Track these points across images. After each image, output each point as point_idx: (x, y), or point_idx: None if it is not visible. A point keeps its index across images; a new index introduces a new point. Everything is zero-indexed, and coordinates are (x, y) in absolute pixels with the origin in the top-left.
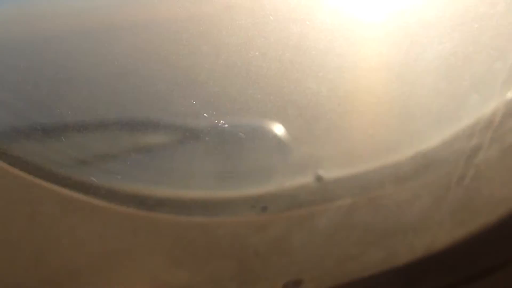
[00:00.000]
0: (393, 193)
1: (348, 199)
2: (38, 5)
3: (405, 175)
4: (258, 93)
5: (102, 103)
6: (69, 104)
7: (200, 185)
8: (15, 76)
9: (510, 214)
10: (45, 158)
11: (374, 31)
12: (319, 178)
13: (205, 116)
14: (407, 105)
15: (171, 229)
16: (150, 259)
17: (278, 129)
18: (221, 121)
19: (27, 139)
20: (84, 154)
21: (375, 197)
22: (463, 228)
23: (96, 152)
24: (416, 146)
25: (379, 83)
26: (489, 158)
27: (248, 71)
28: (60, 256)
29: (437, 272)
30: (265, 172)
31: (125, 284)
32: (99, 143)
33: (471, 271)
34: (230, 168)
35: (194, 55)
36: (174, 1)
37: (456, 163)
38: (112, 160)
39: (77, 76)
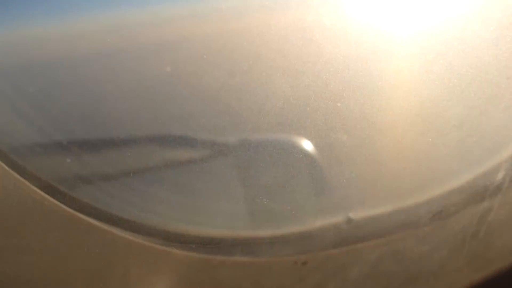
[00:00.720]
0: (414, 246)
1: (374, 246)
2: (64, 24)
3: (423, 230)
4: (293, 144)
5: (131, 120)
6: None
7: (240, 225)
8: (52, 96)
9: None
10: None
11: (394, 99)
12: (349, 220)
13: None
14: (423, 171)
15: (227, 276)
16: None
17: (311, 174)
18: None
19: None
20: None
21: (398, 251)
22: (480, 274)
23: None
24: (432, 209)
25: (402, 150)
26: (499, 217)
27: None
28: None
29: None
30: (299, 212)
31: None
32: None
33: None
34: (267, 208)
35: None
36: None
37: (470, 222)
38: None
39: (106, 93)
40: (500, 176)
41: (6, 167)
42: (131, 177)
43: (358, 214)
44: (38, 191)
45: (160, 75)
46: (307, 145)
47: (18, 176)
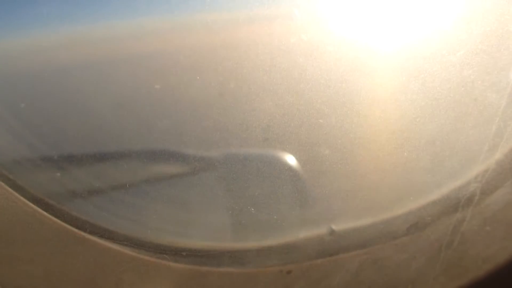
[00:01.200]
0: (393, 255)
1: (355, 256)
2: (46, 37)
3: (401, 240)
4: (277, 159)
5: (121, 135)
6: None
7: (228, 237)
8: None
9: (495, 270)
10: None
11: (372, 118)
12: (332, 232)
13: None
14: (400, 184)
15: (214, 282)
16: None
17: (295, 187)
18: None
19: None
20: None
21: (378, 259)
22: (456, 282)
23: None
24: (409, 220)
25: (377, 158)
26: (472, 227)
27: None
28: None
29: None
30: (284, 224)
31: None
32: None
33: None
34: (252, 220)
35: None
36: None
37: (444, 232)
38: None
39: (95, 108)
40: (471, 188)
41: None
42: (121, 191)
43: (340, 225)
44: (30, 203)
45: (149, 90)
46: (291, 159)
47: (10, 190)
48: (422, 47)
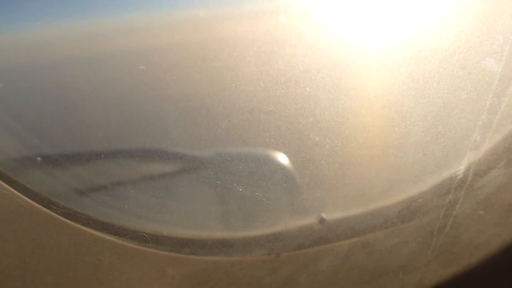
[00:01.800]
0: (384, 239)
1: (345, 242)
2: (43, 33)
3: (392, 223)
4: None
5: (110, 134)
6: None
7: (215, 226)
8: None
9: (488, 257)
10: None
11: (363, 103)
12: (322, 220)
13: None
14: (392, 165)
15: (200, 271)
16: None
17: (287, 175)
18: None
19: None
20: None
21: (368, 243)
22: (448, 269)
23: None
24: (401, 203)
25: (371, 144)
26: (465, 210)
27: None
28: None
29: None
30: (273, 214)
31: None
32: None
33: None
34: (243, 210)
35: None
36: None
37: (437, 215)
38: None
39: (85, 106)
40: (464, 169)
41: None
42: (101, 178)
43: (331, 210)
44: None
45: (144, 86)
46: (281, 153)
47: None
48: (413, 16)
